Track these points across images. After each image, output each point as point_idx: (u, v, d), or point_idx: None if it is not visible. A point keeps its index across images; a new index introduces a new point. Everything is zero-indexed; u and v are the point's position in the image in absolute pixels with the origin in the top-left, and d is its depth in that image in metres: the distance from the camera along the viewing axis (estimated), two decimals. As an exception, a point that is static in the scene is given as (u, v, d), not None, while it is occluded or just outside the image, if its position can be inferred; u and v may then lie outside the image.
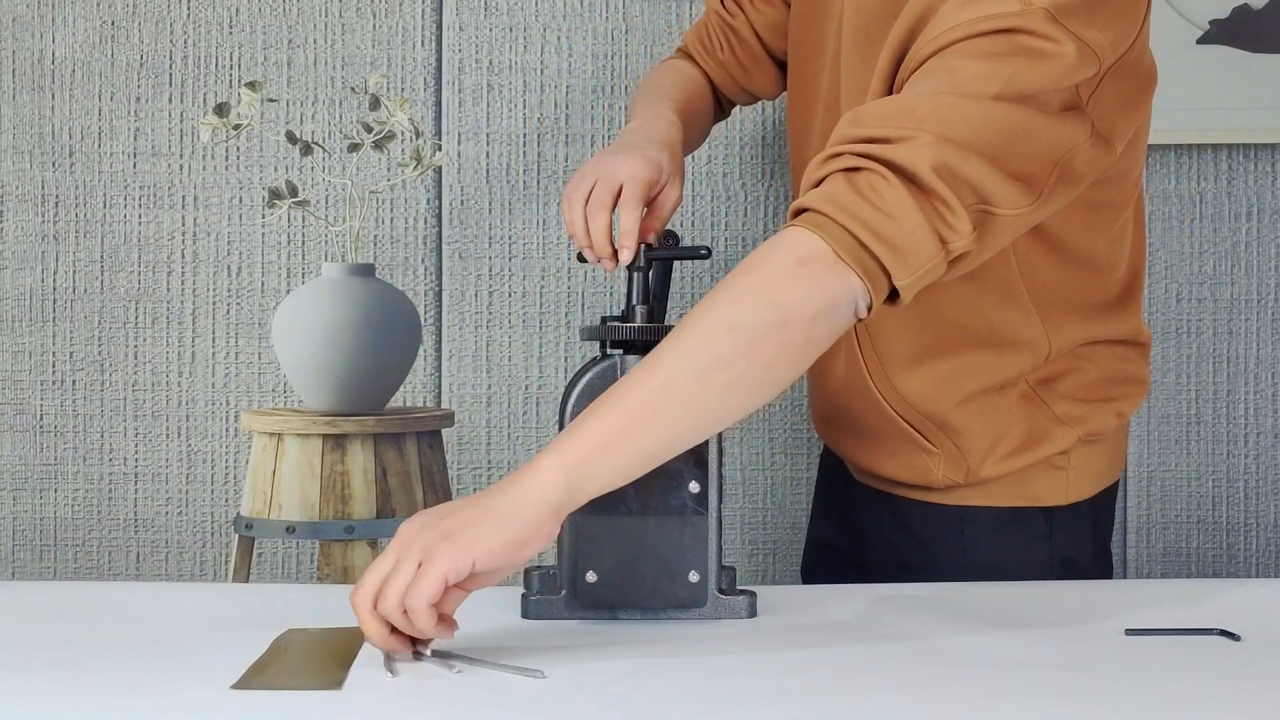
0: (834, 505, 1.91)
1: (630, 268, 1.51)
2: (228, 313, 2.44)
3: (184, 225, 2.43)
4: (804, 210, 1.38)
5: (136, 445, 2.44)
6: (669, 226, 1.65)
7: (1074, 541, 1.74)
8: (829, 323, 1.35)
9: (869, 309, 1.37)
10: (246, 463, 2.30)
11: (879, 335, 1.69)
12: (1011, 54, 1.42)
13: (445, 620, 1.28)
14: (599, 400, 1.33)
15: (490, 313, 2.44)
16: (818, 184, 1.40)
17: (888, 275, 1.36)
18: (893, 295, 1.39)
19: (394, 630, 1.27)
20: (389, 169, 2.40)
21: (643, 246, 1.53)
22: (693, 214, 2.43)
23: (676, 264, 2.43)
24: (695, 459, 1.41)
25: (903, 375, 1.69)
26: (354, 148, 2.14)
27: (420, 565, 1.25)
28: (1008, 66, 1.41)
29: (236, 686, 1.17)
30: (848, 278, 1.34)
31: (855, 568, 1.83)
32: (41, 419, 2.45)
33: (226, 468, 2.44)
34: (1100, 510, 1.78)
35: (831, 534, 1.91)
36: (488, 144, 2.43)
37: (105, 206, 2.44)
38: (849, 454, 1.83)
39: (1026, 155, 1.43)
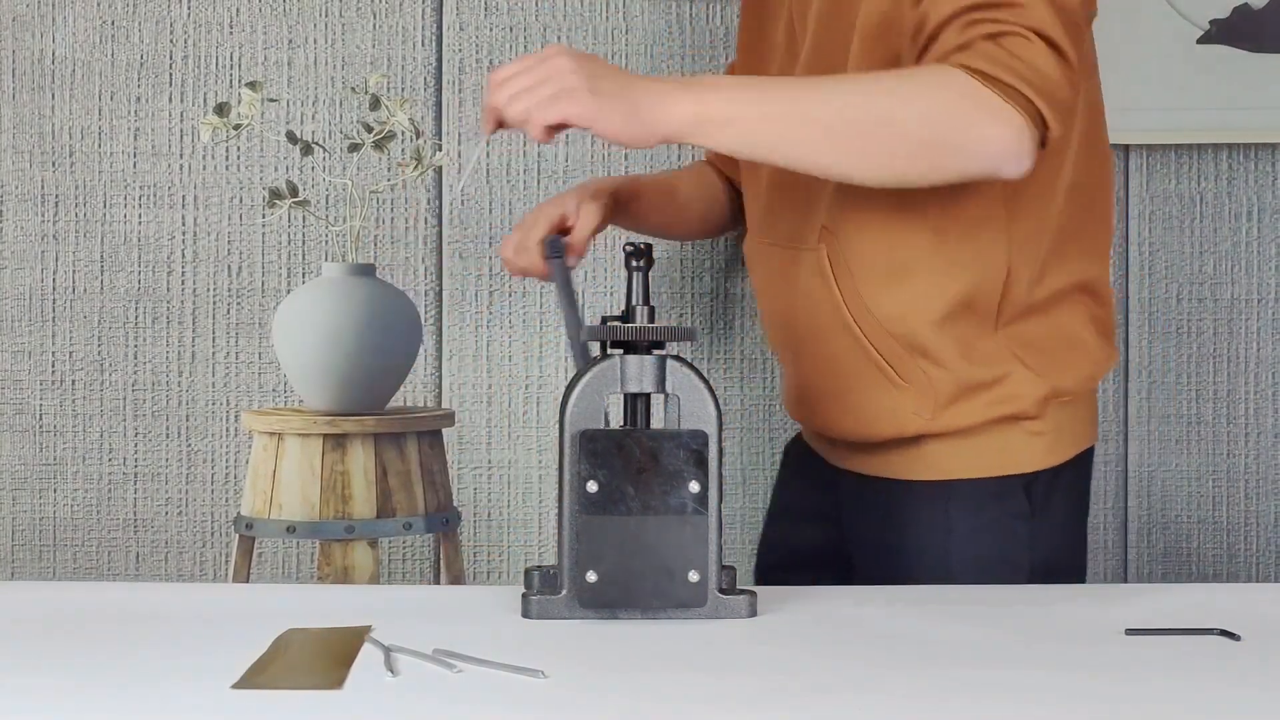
0: (807, 506, 1.95)
1: (630, 268, 1.51)
2: (228, 313, 2.44)
3: (184, 225, 2.43)
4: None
5: (136, 445, 2.44)
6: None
7: (1053, 522, 1.77)
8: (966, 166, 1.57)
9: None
10: (246, 463, 2.30)
11: (854, 253, 1.73)
12: None
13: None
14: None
15: (490, 313, 2.43)
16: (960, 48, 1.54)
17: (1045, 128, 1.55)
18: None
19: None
20: (389, 169, 2.40)
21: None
22: (693, 214, 2.43)
23: (678, 264, 2.43)
24: (695, 459, 1.40)
25: (875, 294, 1.73)
26: (354, 148, 2.14)
27: (553, 95, 1.50)
28: None
29: (236, 686, 1.17)
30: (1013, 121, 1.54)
31: (827, 565, 1.86)
32: (41, 419, 2.45)
33: (227, 467, 2.44)
34: (1075, 485, 1.81)
35: (798, 532, 1.96)
36: (488, 144, 2.43)
37: (105, 206, 2.44)
38: (823, 423, 1.84)
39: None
